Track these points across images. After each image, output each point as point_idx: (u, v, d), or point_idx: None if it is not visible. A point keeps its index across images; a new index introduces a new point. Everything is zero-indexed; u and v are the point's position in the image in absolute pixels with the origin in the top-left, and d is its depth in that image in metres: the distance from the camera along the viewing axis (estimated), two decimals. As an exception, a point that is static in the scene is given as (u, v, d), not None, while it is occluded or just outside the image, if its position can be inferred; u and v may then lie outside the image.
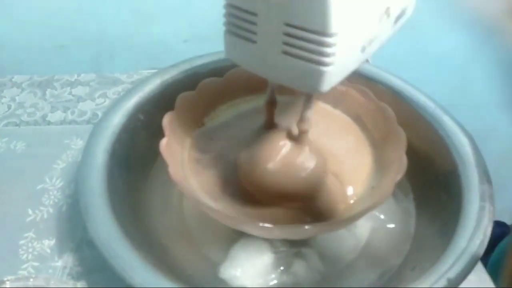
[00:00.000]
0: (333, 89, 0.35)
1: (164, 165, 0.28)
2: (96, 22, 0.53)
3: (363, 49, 0.22)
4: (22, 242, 0.33)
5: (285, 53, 0.21)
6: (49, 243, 0.33)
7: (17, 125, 0.43)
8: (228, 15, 0.22)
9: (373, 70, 0.38)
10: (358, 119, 0.35)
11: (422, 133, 0.33)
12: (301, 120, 0.26)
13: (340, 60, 0.21)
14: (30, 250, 0.32)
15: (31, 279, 0.25)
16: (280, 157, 0.28)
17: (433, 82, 0.53)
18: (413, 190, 0.34)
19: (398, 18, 0.24)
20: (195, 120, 0.34)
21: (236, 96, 0.36)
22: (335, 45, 0.20)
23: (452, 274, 0.24)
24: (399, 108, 0.33)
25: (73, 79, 0.49)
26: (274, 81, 0.23)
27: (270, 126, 0.30)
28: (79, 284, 0.30)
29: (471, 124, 0.33)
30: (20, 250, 0.32)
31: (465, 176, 0.29)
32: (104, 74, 0.50)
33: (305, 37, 0.20)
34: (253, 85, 0.37)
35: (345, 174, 0.31)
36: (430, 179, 0.32)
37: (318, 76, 0.21)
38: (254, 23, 0.21)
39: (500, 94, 0.63)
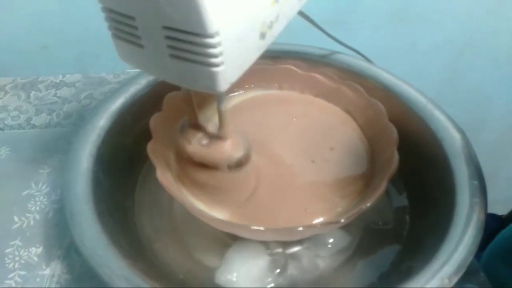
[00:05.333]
0: (324, 85, 0.36)
1: (152, 168, 0.27)
2: (79, 20, 0.51)
3: (263, 36, 0.21)
4: (8, 250, 0.32)
5: (172, 56, 0.20)
6: (36, 250, 0.32)
7: (0, 129, 0.42)
8: (108, 19, 0.21)
9: (363, 65, 0.37)
10: (350, 115, 0.35)
11: (414, 128, 0.33)
12: (218, 115, 0.25)
13: (233, 55, 0.19)
14: (17, 258, 0.31)
15: (17, 291, 0.24)
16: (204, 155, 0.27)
17: (422, 75, 0.53)
18: (406, 187, 0.34)
19: None
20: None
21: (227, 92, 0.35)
22: (220, 44, 0.18)
23: (447, 271, 0.24)
24: (390, 104, 0.33)
25: (58, 80, 0.48)
26: (171, 82, 0.22)
27: (193, 120, 0.28)
28: (67, 293, 0.29)
29: (461, 116, 0.33)
30: (6, 259, 0.31)
31: (457, 172, 0.29)
32: (89, 75, 0.48)
33: (187, 39, 0.18)
34: (242, 80, 0.36)
35: (338, 172, 0.31)
36: (423, 175, 0.32)
37: (211, 77, 0.20)
38: (135, 27, 0.20)
39: (489, 87, 0.63)
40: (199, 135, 0.27)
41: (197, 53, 0.19)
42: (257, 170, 0.29)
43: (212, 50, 0.18)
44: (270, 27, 0.21)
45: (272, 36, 0.22)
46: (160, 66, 0.21)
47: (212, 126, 0.27)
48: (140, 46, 0.20)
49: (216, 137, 0.26)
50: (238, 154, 0.26)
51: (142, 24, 0.19)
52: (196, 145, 0.27)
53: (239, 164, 0.27)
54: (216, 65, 0.19)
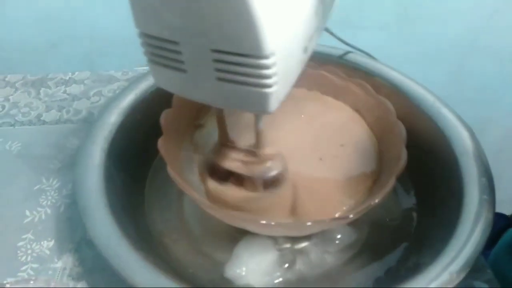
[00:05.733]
0: (332, 83, 0.36)
1: (162, 163, 0.27)
2: (88, 18, 0.52)
3: (306, 50, 0.21)
4: (20, 244, 0.33)
5: (220, 79, 0.19)
6: (48, 244, 0.33)
7: (11, 125, 0.43)
8: (146, 45, 0.20)
9: (371, 63, 0.37)
10: (359, 113, 0.35)
11: (422, 126, 0.33)
12: (255, 134, 0.25)
13: (283, 74, 0.19)
14: (29, 252, 0.32)
15: (31, 281, 0.25)
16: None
17: (428, 74, 0.53)
18: (413, 184, 0.34)
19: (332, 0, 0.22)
20: (193, 117, 0.34)
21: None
22: (275, 65, 0.18)
23: (454, 268, 0.24)
24: (398, 102, 0.33)
25: (67, 78, 0.48)
26: (217, 106, 0.21)
27: (224, 139, 0.28)
28: (79, 285, 0.30)
29: (467, 116, 0.33)
30: (19, 252, 0.32)
31: (466, 169, 0.29)
32: (98, 72, 0.49)
33: (238, 61, 0.18)
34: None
35: (347, 169, 0.31)
36: (431, 173, 0.32)
37: (263, 99, 0.19)
38: (178, 52, 0.19)
39: (495, 86, 0.63)
40: (234, 151, 0.27)
41: (249, 75, 0.18)
42: (293, 189, 0.28)
43: (266, 71, 0.18)
44: (311, 40, 0.21)
45: (312, 49, 0.22)
46: (204, 90, 0.20)
47: (244, 142, 0.27)
48: (183, 71, 0.19)
49: (252, 154, 0.26)
50: (274, 171, 0.26)
51: (187, 48, 0.18)
52: (232, 161, 0.26)
53: (275, 183, 0.26)
54: (269, 86, 0.18)
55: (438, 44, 0.58)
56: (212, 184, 0.28)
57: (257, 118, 0.24)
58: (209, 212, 0.27)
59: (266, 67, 0.18)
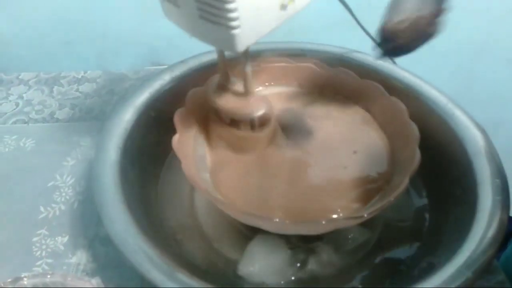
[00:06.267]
0: (344, 84, 0.36)
1: (175, 161, 0.28)
2: (101, 17, 0.53)
3: (284, 7, 0.24)
4: (35, 239, 0.33)
5: (202, 17, 0.23)
6: (62, 240, 0.33)
7: (25, 122, 0.43)
8: None
9: (383, 64, 0.37)
10: (370, 114, 0.35)
11: (435, 127, 0.33)
12: (243, 77, 0.29)
13: (251, 21, 0.22)
14: (44, 247, 0.32)
15: (48, 276, 0.25)
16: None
17: (439, 75, 0.53)
18: (426, 185, 0.34)
19: None
20: (206, 115, 0.34)
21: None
22: (237, 10, 0.21)
23: (468, 269, 0.24)
24: (410, 103, 0.33)
25: (79, 76, 0.49)
26: (201, 41, 0.25)
27: (224, 79, 0.31)
28: (94, 280, 0.30)
29: (477, 117, 0.33)
30: (33, 247, 0.32)
31: (479, 170, 0.29)
32: (110, 71, 0.49)
33: (211, 3, 0.22)
34: (262, 78, 0.37)
35: (360, 169, 0.31)
36: (444, 174, 0.32)
37: (230, 38, 0.23)
38: None
39: (506, 88, 0.63)
40: (228, 93, 0.30)
41: (219, 16, 0.22)
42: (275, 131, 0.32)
43: (230, 15, 0.22)
44: (293, 0, 0.24)
45: (295, 9, 0.25)
46: (193, 25, 0.24)
47: (239, 86, 0.30)
48: (178, 6, 0.24)
49: (242, 96, 0.30)
50: (259, 111, 0.30)
51: None
52: (224, 101, 0.30)
53: (261, 123, 0.30)
54: (234, 27, 0.22)
55: (448, 44, 0.57)
56: (215, 125, 0.32)
57: (245, 62, 0.27)
58: (222, 210, 0.28)
59: (230, 11, 0.22)
